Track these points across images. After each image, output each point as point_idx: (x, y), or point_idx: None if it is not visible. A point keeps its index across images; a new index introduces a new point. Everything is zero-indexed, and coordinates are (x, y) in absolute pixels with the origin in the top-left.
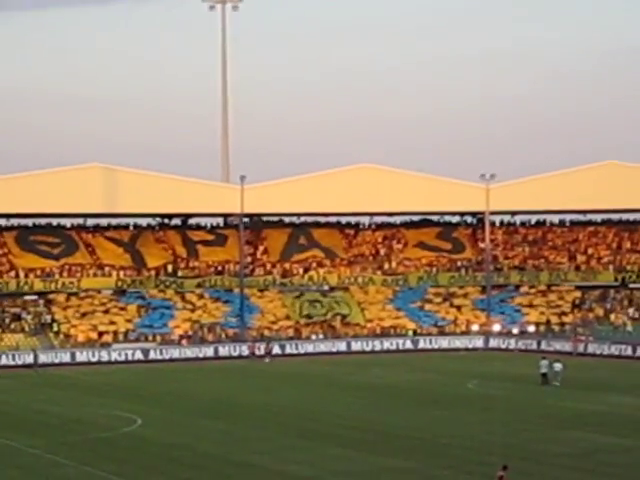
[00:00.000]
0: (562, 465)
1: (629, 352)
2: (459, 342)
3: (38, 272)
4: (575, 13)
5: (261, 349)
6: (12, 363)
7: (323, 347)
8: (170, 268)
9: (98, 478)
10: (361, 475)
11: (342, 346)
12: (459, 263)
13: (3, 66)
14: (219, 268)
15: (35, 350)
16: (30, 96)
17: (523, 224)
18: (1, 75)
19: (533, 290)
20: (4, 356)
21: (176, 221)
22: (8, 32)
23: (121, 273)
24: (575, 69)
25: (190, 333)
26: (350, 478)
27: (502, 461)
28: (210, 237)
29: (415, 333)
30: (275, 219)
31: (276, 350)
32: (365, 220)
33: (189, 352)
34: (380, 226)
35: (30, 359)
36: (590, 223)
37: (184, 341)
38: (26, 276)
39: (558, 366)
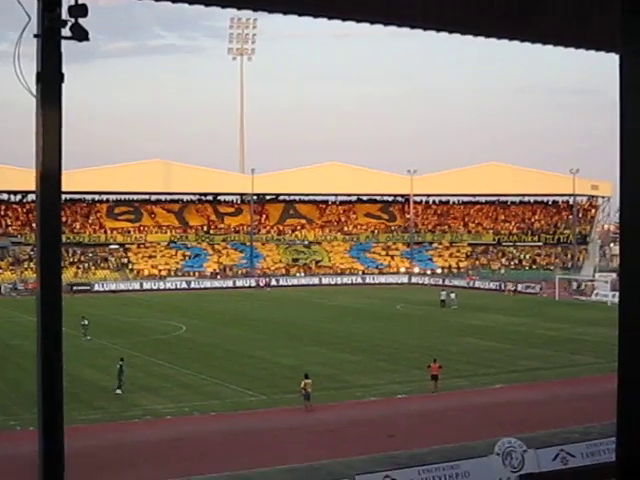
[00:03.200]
0: (458, 360)
1: (501, 287)
2: (392, 279)
3: (119, 230)
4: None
5: (263, 282)
6: (101, 289)
7: (304, 281)
8: (205, 228)
9: (156, 365)
10: (328, 364)
11: (316, 280)
12: (392, 227)
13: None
14: (237, 229)
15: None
16: (119, 114)
17: (435, 202)
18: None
19: (440, 246)
20: (97, 285)
21: (209, 198)
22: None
23: (173, 231)
24: (470, 102)
25: (217, 271)
26: (322, 366)
27: (420, 357)
28: (231, 209)
29: (363, 272)
30: (274, 197)
31: (273, 283)
32: (332, 198)
33: (216, 283)
34: (342, 202)
35: (113, 287)
36: (477, 203)
37: (218, 276)
38: (111, 232)
39: (453, 295)
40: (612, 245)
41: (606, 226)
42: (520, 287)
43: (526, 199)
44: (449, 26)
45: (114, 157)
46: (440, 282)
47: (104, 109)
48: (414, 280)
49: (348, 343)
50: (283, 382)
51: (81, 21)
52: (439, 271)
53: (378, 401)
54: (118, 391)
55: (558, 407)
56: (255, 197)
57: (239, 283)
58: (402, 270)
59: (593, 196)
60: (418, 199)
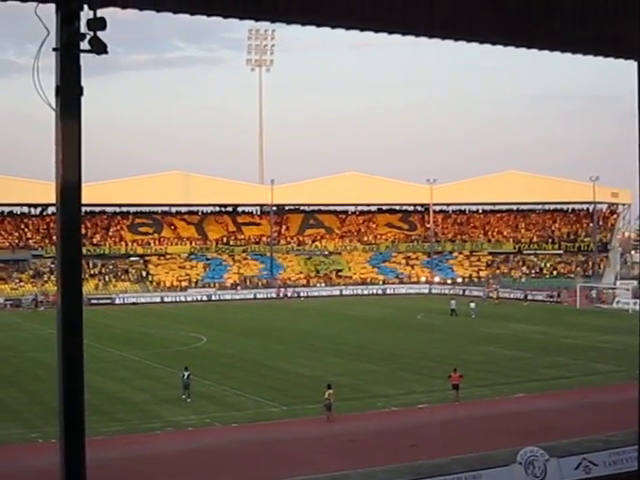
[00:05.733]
0: (479, 369)
1: (521, 296)
2: (412, 289)
3: (139, 242)
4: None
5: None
6: (121, 302)
7: (324, 291)
8: (225, 239)
9: (177, 376)
10: (349, 374)
11: (336, 291)
12: (413, 237)
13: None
14: (257, 239)
15: None
16: (142, 128)
17: (454, 212)
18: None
19: (460, 255)
20: (117, 297)
21: (228, 209)
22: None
23: (193, 243)
24: (487, 109)
25: (238, 282)
26: (342, 377)
27: (441, 367)
28: (251, 219)
29: (384, 282)
30: (294, 208)
31: (293, 293)
32: (352, 208)
33: (237, 294)
34: (362, 212)
35: (132, 300)
36: (498, 211)
37: (238, 287)
38: (132, 244)
39: (472, 305)
40: (633, 253)
41: (627, 234)
42: (542, 295)
43: (546, 207)
44: (467, 35)
45: (134, 169)
46: (460, 291)
47: (123, 122)
48: (435, 290)
49: (369, 353)
50: (304, 392)
51: (100, 34)
52: (460, 280)
53: (399, 411)
54: (187, 400)
55: (580, 416)
56: (274, 208)
57: (259, 294)
58: (422, 280)
59: (613, 203)
60: (438, 208)
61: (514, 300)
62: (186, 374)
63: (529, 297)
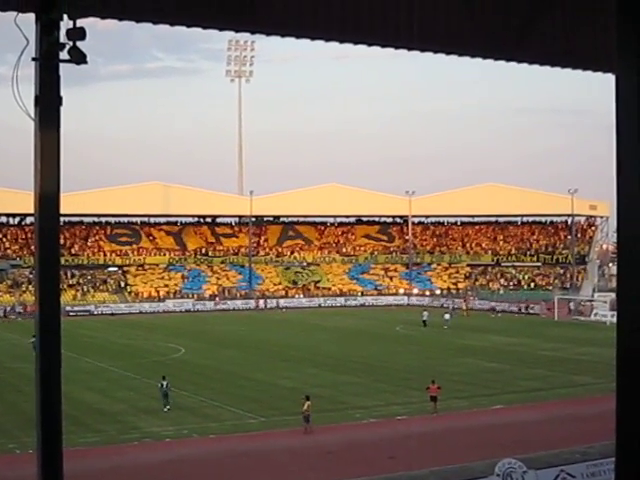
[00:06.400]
0: (457, 381)
1: (501, 307)
2: (391, 300)
3: (118, 252)
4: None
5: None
6: (99, 313)
7: (303, 303)
8: (203, 250)
9: (155, 387)
10: (328, 386)
11: (315, 302)
12: (391, 248)
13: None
14: (236, 250)
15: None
16: (123, 138)
17: (433, 223)
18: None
19: (439, 267)
20: (95, 307)
21: (207, 220)
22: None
23: (171, 253)
24: (468, 123)
25: (216, 293)
26: (320, 388)
27: (419, 378)
28: (230, 230)
29: (362, 294)
30: (273, 219)
31: (271, 304)
32: (331, 220)
33: (215, 305)
34: (341, 224)
35: (109, 310)
36: (476, 223)
37: (217, 298)
38: (110, 255)
39: (447, 316)
40: (611, 265)
41: (605, 246)
42: (517, 308)
43: (524, 219)
44: (445, 47)
45: (113, 179)
46: (439, 303)
47: (103, 132)
48: (413, 301)
49: (348, 365)
50: (282, 404)
51: (79, 44)
52: (438, 292)
53: (378, 423)
54: (167, 408)
55: (558, 428)
56: (253, 219)
57: (238, 305)
58: (401, 291)
59: (591, 216)
60: (417, 220)
61: (491, 311)
62: (164, 383)
63: (505, 309)
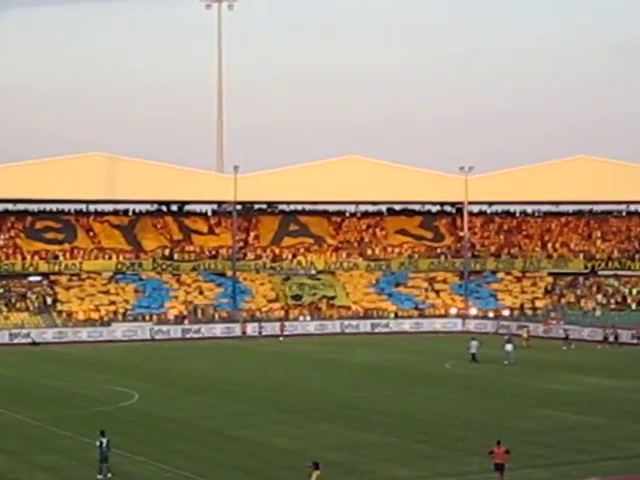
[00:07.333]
0: (533, 441)
1: (598, 337)
2: (438, 324)
3: (42, 254)
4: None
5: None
6: (15, 341)
7: (309, 328)
8: (166, 252)
9: (94, 447)
10: (345, 449)
11: (328, 327)
12: (438, 250)
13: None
14: (213, 252)
15: None
16: (36, 89)
17: (499, 214)
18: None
19: (508, 277)
20: (9, 334)
21: (173, 208)
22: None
23: (120, 256)
24: (544, 73)
25: (185, 313)
26: (335, 452)
27: (478, 438)
28: (205, 223)
29: (396, 315)
30: (266, 207)
31: (265, 331)
32: (351, 208)
33: (184, 331)
34: (365, 214)
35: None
36: (562, 214)
37: (186, 321)
38: (31, 258)
39: (509, 347)
40: None
41: None
42: (625, 336)
43: (631, 208)
44: None
45: (34, 149)
46: (512, 329)
47: (18, 81)
48: (470, 326)
49: (374, 418)
50: (280, 474)
51: None
52: (506, 313)
53: None
54: (99, 477)
55: None
56: (239, 206)
57: (216, 331)
58: (453, 312)
59: None
60: (476, 209)
61: (586, 342)
62: (103, 441)
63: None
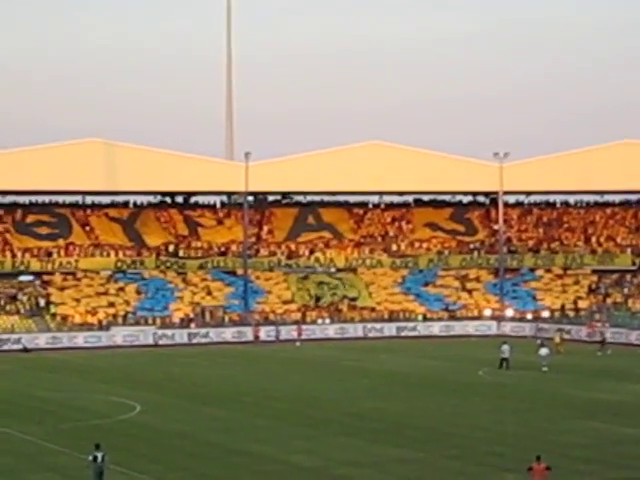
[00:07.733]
0: (578, 457)
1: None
2: (470, 327)
3: (34, 251)
4: None
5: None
6: (4, 348)
7: (329, 332)
8: (171, 248)
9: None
10: (369, 466)
11: (349, 331)
12: (471, 245)
13: None
14: (222, 248)
15: None
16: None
17: (538, 205)
18: None
19: (548, 274)
20: None
21: (178, 199)
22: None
23: (120, 253)
24: (587, 48)
25: (191, 316)
26: (357, 469)
27: (515, 453)
28: (213, 216)
29: (425, 318)
30: (281, 198)
31: (281, 334)
32: (374, 199)
33: (190, 336)
34: (389, 206)
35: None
36: (607, 204)
37: (192, 324)
38: (22, 255)
39: (544, 351)
40: None
41: None
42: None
43: None
44: None
45: (26, 136)
46: (551, 333)
47: (8, 60)
48: (506, 329)
49: (400, 431)
50: None
51: None
52: (546, 314)
53: None
54: None
55: None
56: (251, 198)
57: (227, 336)
58: (487, 313)
59: None
60: (512, 199)
61: (635, 347)
62: (99, 455)
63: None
